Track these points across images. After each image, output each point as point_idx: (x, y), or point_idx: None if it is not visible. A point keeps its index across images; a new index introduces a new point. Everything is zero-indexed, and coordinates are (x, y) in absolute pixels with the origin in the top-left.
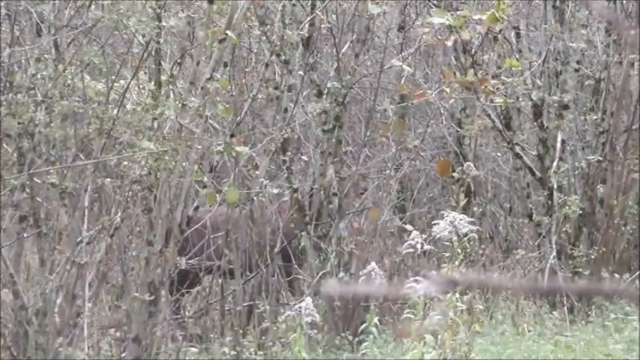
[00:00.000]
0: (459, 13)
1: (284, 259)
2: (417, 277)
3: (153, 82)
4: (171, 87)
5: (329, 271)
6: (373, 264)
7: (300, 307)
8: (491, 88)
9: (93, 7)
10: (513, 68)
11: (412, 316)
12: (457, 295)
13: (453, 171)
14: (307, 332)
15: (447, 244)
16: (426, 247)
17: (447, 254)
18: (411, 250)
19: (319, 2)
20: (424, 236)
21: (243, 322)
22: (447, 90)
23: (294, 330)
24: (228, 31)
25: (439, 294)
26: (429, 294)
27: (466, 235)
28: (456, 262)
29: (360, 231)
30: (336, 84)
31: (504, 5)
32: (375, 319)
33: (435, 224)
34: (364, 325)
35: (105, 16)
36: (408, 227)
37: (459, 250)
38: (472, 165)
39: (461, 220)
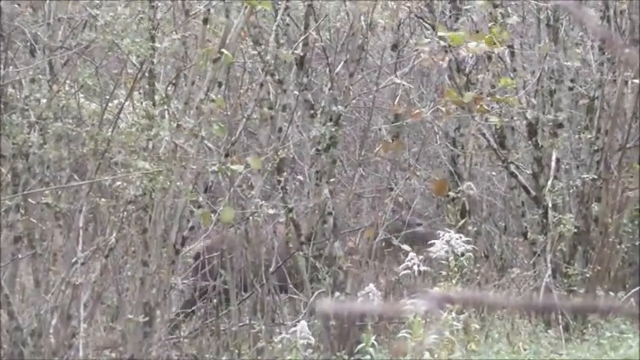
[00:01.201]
0: (455, 33)
1: (280, 278)
2: (414, 296)
3: (148, 102)
4: (165, 107)
5: (324, 291)
6: (371, 285)
7: (295, 330)
8: (486, 107)
9: (87, 28)
10: (508, 87)
11: (408, 336)
12: (453, 314)
13: (449, 190)
14: (303, 354)
15: (444, 262)
16: (423, 268)
17: (443, 273)
18: (407, 271)
19: (313, 22)
20: (421, 257)
21: (238, 342)
22: (443, 109)
23: (289, 350)
24: (223, 50)
25: (435, 311)
26: (426, 312)
27: (462, 254)
28: (453, 281)
29: (355, 250)
30: (341, 108)
31: (502, 29)
32: (372, 339)
33: (431, 244)
34: (361, 345)
35: (99, 37)
36: (405, 247)
37: (456, 269)
38: (472, 184)
39: (457, 239)
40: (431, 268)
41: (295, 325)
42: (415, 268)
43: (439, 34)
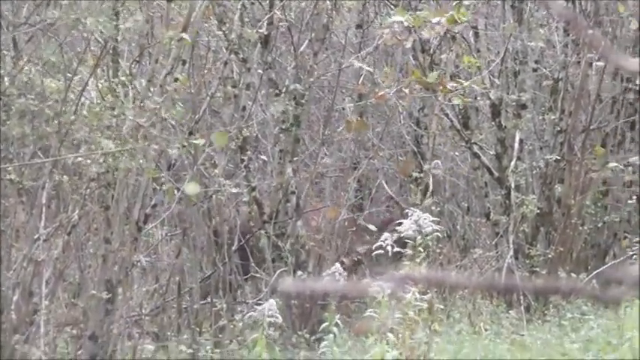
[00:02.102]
0: (418, 13)
1: (242, 257)
2: (378, 276)
3: (113, 80)
4: (130, 86)
5: (286, 270)
6: (337, 265)
7: (263, 308)
8: (450, 88)
9: (51, 7)
10: (471, 68)
11: (374, 315)
12: (417, 295)
13: (418, 171)
14: (267, 332)
15: (409, 242)
16: (397, 249)
17: (409, 252)
18: (381, 251)
19: (277, 1)
20: (394, 237)
21: (200, 320)
22: (407, 91)
23: (251, 328)
24: (183, 35)
25: (397, 291)
26: (389, 292)
27: (427, 235)
28: (418, 261)
29: (317, 229)
30: (300, 87)
31: (464, 10)
32: (336, 318)
33: (399, 223)
34: (324, 324)
35: (63, 16)
36: (371, 227)
37: (421, 250)
38: (439, 163)
39: (425, 219)
40: (398, 247)
41: (258, 304)
42: (389, 248)
43: (397, 18)
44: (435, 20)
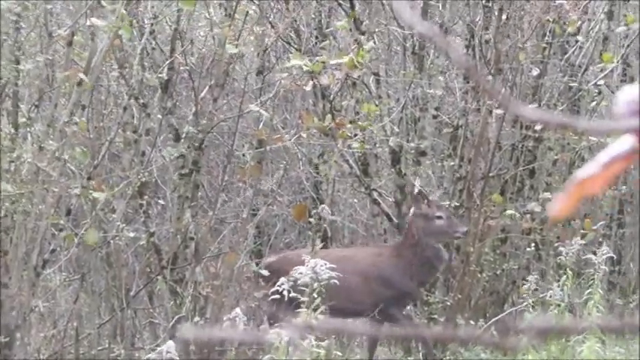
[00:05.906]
0: (317, 58)
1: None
2: (277, 324)
3: (10, 125)
4: (28, 129)
5: (184, 316)
6: (238, 310)
7: (162, 350)
8: (348, 133)
9: None
10: (371, 115)
11: None
12: (315, 342)
13: (310, 216)
14: None
15: (304, 289)
16: (293, 294)
17: (305, 299)
18: (277, 296)
19: (179, 46)
20: (291, 283)
21: None
22: (304, 135)
23: None
24: (82, 76)
25: (296, 339)
26: (288, 339)
27: (323, 281)
28: (313, 308)
29: (216, 275)
30: (192, 129)
31: (363, 52)
32: None
33: (295, 270)
34: None
35: None
36: (264, 272)
37: (315, 295)
38: (327, 207)
39: (321, 266)
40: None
41: (157, 347)
42: (285, 294)
43: (295, 62)
44: (333, 62)
